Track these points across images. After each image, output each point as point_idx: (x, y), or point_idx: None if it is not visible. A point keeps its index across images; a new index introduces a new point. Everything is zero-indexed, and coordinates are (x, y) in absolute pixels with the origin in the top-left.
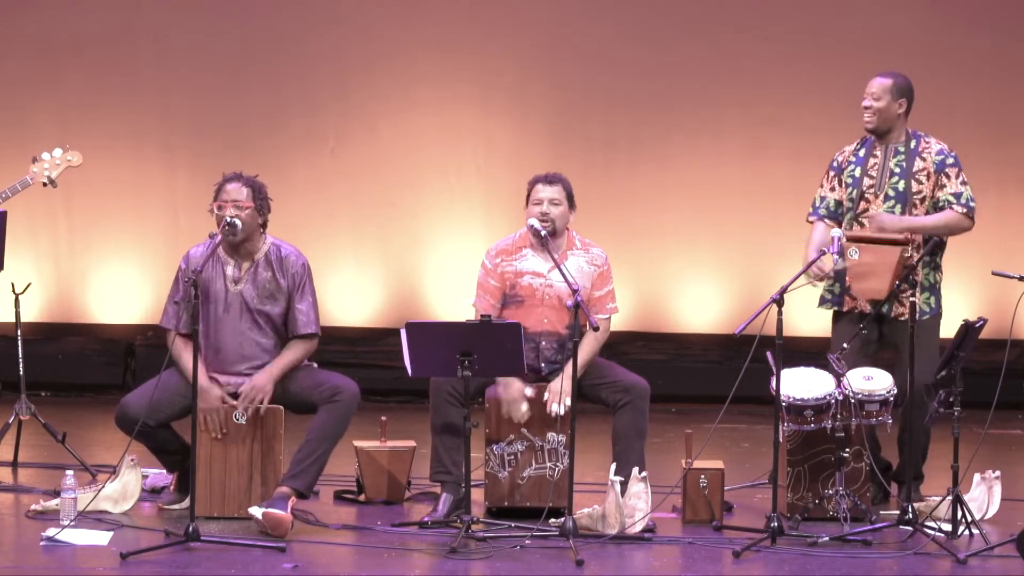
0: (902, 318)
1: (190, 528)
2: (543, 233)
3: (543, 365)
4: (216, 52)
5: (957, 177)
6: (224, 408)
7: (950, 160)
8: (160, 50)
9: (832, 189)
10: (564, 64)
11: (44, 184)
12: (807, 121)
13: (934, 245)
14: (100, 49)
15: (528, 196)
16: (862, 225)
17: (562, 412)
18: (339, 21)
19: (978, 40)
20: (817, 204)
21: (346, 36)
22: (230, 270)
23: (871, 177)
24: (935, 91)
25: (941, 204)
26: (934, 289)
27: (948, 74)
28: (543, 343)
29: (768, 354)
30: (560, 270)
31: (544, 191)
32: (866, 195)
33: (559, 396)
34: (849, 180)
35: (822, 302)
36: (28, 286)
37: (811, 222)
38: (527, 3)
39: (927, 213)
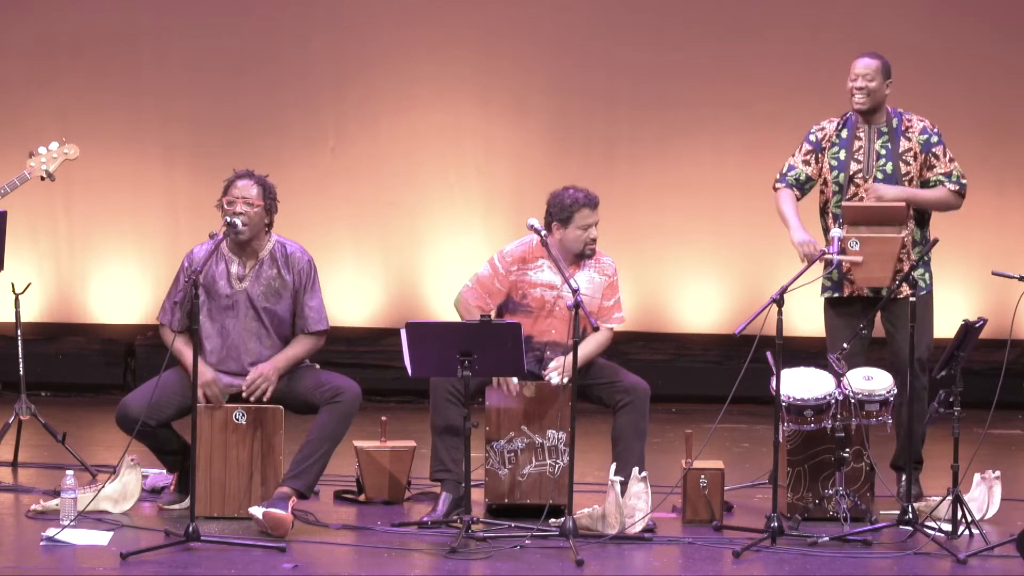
0: (900, 296)
1: (190, 528)
2: (543, 233)
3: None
4: (216, 52)
5: (945, 155)
6: (221, 384)
7: (935, 139)
8: (160, 50)
9: (806, 163)
10: (564, 64)
11: (42, 178)
12: (807, 121)
13: (933, 244)
14: (100, 49)
15: (565, 216)
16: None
17: (563, 382)
18: (339, 21)
19: (978, 40)
20: (785, 171)
21: (346, 36)
22: (235, 268)
23: (858, 161)
24: (935, 91)
25: (932, 183)
26: (927, 265)
27: (948, 74)
28: (548, 353)
29: (768, 354)
30: (564, 278)
31: (592, 216)
32: (855, 180)
33: (561, 369)
34: (834, 162)
35: (823, 291)
36: (28, 286)
37: (777, 189)
38: (527, 3)
39: None
